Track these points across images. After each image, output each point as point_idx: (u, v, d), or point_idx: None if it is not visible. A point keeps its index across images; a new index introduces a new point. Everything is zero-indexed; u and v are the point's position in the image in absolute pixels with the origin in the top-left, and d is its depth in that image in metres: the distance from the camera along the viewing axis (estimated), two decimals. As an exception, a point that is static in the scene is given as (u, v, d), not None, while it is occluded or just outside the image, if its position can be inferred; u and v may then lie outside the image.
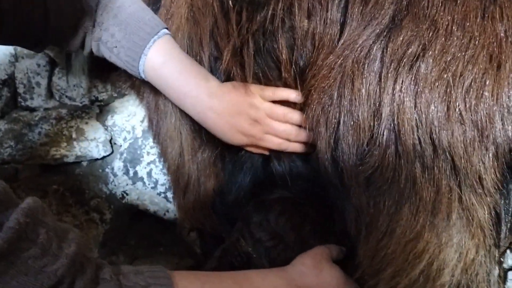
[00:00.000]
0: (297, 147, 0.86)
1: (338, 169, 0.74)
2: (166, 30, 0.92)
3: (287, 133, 0.85)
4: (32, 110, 1.63)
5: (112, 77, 1.36)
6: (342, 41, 0.71)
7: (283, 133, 0.85)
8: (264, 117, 0.85)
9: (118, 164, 1.70)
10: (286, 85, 0.81)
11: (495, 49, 0.62)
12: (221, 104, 0.85)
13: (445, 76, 0.63)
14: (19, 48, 1.60)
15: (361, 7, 0.70)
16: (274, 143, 0.86)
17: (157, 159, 1.70)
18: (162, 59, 0.88)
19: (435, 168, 0.65)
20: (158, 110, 1.09)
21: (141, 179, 1.66)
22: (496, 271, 0.72)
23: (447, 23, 0.65)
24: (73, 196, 1.63)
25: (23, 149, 1.59)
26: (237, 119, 0.85)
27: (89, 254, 0.63)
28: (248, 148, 0.91)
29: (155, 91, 1.12)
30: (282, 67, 0.79)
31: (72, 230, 0.63)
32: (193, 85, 0.87)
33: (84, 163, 1.73)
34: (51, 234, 0.58)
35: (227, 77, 0.88)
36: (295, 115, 0.85)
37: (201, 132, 0.97)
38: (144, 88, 1.22)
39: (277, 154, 0.88)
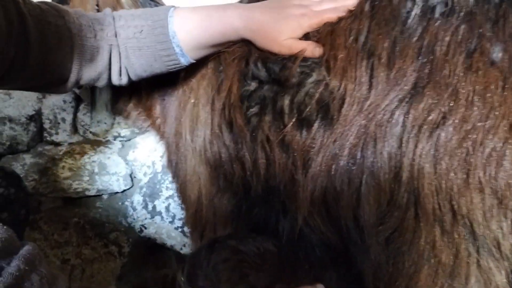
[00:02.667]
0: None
1: (359, 226, 0.76)
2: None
3: None
4: (57, 144, 1.68)
5: (133, 116, 1.40)
6: (368, 102, 0.73)
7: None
8: None
9: (137, 198, 1.73)
10: (313, 138, 0.81)
11: (516, 119, 0.64)
12: (264, 3, 0.87)
13: (465, 144, 0.65)
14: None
15: (385, 72, 0.72)
16: (330, 5, 0.81)
17: (175, 194, 1.73)
18: (189, 9, 0.91)
19: (454, 232, 0.67)
20: (178, 152, 1.11)
21: (159, 213, 1.69)
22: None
23: (468, 92, 0.66)
24: (93, 229, 1.66)
25: (46, 182, 1.64)
26: (285, 3, 0.84)
27: None
28: (303, 31, 0.82)
29: (176, 132, 1.16)
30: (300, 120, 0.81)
31: (61, 276, 0.66)
32: (230, 4, 0.90)
33: (105, 196, 1.77)
34: (44, 281, 0.61)
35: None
36: None
37: (219, 179, 0.99)
38: (164, 127, 1.26)
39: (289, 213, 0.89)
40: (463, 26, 0.70)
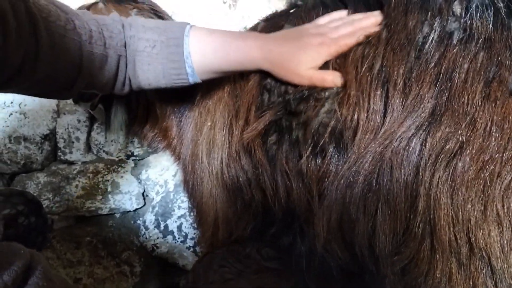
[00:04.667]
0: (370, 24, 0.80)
1: (374, 256, 0.75)
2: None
3: (354, 18, 0.82)
4: (71, 163, 1.70)
5: (149, 138, 1.41)
6: (383, 129, 0.72)
7: (351, 20, 0.81)
8: (325, 24, 0.84)
9: (150, 217, 1.73)
10: (327, 166, 0.81)
11: (534, 151, 0.63)
12: (281, 33, 0.87)
13: (482, 175, 0.64)
14: (61, 105, 1.68)
15: (402, 99, 0.71)
16: (347, 30, 0.80)
17: (187, 213, 1.73)
18: (206, 31, 0.90)
19: (471, 265, 0.65)
20: (194, 173, 1.11)
21: (172, 232, 1.69)
22: None
23: (485, 122, 0.65)
24: (105, 248, 1.66)
25: (60, 201, 1.65)
26: (303, 32, 0.84)
27: None
28: (323, 59, 0.82)
29: (192, 154, 1.16)
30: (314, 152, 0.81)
31: (69, 283, 0.67)
32: (248, 33, 0.90)
33: (117, 215, 1.78)
34: None
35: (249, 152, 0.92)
36: (353, 16, 0.82)
37: (236, 202, 0.98)
38: (180, 149, 1.26)
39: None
40: (482, 54, 0.68)
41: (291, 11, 0.98)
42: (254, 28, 1.05)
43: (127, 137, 1.66)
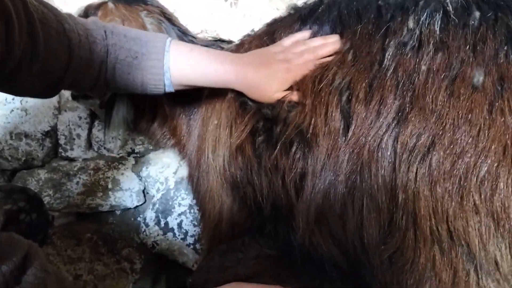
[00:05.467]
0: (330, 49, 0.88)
1: (364, 248, 0.77)
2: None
3: (315, 45, 0.90)
4: (72, 160, 1.72)
5: (158, 135, 1.43)
6: (351, 132, 0.77)
7: (312, 47, 0.90)
8: (289, 49, 0.93)
9: (150, 214, 1.76)
10: (293, 160, 0.87)
11: (508, 141, 0.65)
12: (252, 57, 0.95)
13: (458, 167, 0.66)
14: (62, 101, 1.71)
15: (365, 105, 0.76)
16: (309, 57, 0.90)
17: (187, 211, 1.75)
18: (186, 48, 0.97)
19: (452, 252, 0.67)
20: (199, 168, 1.15)
21: (172, 229, 1.71)
22: None
23: (453, 117, 0.68)
24: (105, 245, 1.68)
25: (60, 197, 1.67)
26: (271, 58, 0.93)
27: None
28: (288, 86, 0.93)
29: (198, 149, 1.19)
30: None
31: (64, 276, 0.69)
32: (225, 56, 0.97)
33: (118, 212, 1.80)
34: (53, 286, 0.64)
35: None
36: (314, 41, 0.91)
37: (238, 201, 1.03)
38: (188, 145, 1.29)
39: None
40: (439, 55, 0.72)
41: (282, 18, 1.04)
42: (259, 31, 1.11)
43: (132, 134, 1.68)
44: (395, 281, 0.74)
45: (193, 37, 1.29)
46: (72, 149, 1.71)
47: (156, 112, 1.34)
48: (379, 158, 0.73)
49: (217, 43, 1.31)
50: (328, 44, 0.87)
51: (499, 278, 0.67)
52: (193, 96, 1.20)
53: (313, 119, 0.82)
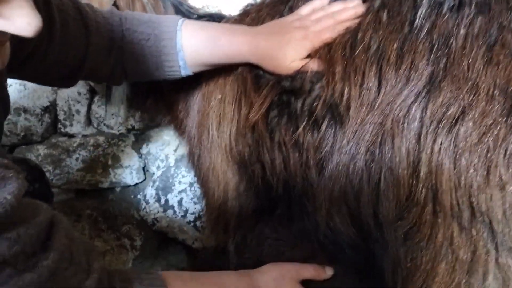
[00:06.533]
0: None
1: (379, 223, 0.76)
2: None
3: (335, 10, 0.86)
4: (71, 136, 1.69)
5: (152, 110, 1.40)
6: (380, 100, 0.73)
7: (331, 13, 0.86)
8: (307, 16, 0.88)
9: (150, 192, 1.74)
10: (323, 138, 0.83)
11: (542, 115, 0.63)
12: (267, 27, 0.91)
13: (486, 140, 0.64)
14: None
15: (395, 70, 0.73)
16: (328, 24, 0.84)
17: (188, 188, 1.74)
18: (198, 25, 0.95)
19: (473, 229, 0.66)
20: (201, 144, 1.11)
21: (172, 207, 1.70)
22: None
23: (488, 86, 0.65)
24: (105, 221, 1.67)
25: (60, 173, 1.65)
26: (287, 26, 0.88)
27: (103, 264, 0.70)
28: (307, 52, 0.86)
29: (199, 125, 1.16)
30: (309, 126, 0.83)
31: (91, 243, 0.69)
32: (237, 28, 0.94)
33: (118, 189, 1.78)
34: (80, 252, 0.64)
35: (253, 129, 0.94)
36: (334, 6, 0.87)
37: (245, 181, 1.00)
38: (186, 121, 1.26)
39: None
40: (480, 18, 0.69)
41: None
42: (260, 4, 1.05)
43: (129, 110, 1.66)
44: (409, 258, 0.73)
45: (190, 7, 1.26)
46: (71, 125, 1.68)
47: (151, 87, 1.31)
48: (404, 129, 0.70)
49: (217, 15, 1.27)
50: (349, 9, 0.83)
51: (519, 255, 0.66)
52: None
53: (346, 89, 0.77)
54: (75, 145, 1.66)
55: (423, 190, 0.69)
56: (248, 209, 1.03)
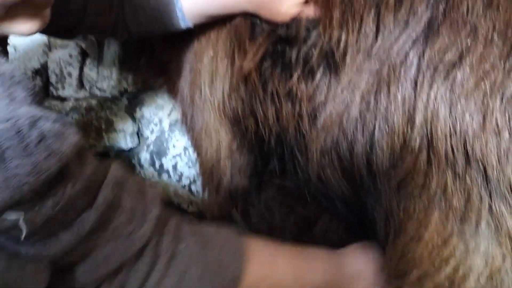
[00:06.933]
0: None
1: (372, 173, 0.75)
2: None
3: None
4: (63, 99, 1.67)
5: (145, 71, 1.38)
6: (376, 47, 0.72)
7: None
8: None
9: (144, 156, 1.73)
10: (317, 87, 0.82)
11: (541, 60, 0.62)
12: None
13: (483, 85, 0.63)
14: (52, 38, 1.64)
15: (393, 16, 0.71)
16: None
17: (182, 153, 1.73)
18: None
19: (467, 177, 0.65)
20: (193, 104, 1.10)
21: (167, 171, 1.70)
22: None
23: (487, 29, 0.64)
24: (99, 186, 1.66)
25: (53, 137, 1.63)
26: None
27: (167, 210, 0.68)
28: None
29: (191, 84, 1.14)
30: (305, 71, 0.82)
31: (149, 187, 0.67)
32: None
33: (112, 154, 1.77)
34: (134, 200, 0.62)
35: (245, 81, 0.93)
36: None
37: (238, 137, 0.99)
38: (179, 82, 1.24)
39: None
40: None
41: None
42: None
43: (121, 73, 1.63)
44: (401, 208, 0.73)
45: None
46: (63, 88, 1.66)
47: (143, 48, 1.29)
48: (400, 76, 0.69)
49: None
50: None
51: (512, 203, 0.66)
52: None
53: (343, 35, 0.75)
54: (67, 108, 1.65)
55: (418, 138, 0.68)
56: (242, 167, 1.02)
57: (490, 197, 0.65)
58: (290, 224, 0.90)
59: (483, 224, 0.66)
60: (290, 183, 0.92)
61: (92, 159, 0.60)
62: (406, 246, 0.72)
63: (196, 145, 1.18)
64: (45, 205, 0.50)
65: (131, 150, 1.77)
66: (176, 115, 1.70)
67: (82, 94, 1.68)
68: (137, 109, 1.72)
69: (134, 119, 1.72)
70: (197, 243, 0.67)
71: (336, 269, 0.82)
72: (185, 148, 1.73)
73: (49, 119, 0.52)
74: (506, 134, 0.63)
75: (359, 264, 0.84)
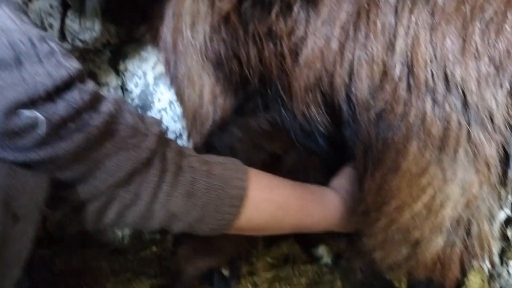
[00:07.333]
0: None
1: (351, 106, 0.75)
2: None
3: None
4: (45, 52, 1.63)
5: (127, 22, 1.35)
6: None
7: None
8: None
9: (129, 110, 1.71)
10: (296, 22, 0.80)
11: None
12: None
13: (463, 8, 0.62)
14: (32, -12, 1.59)
15: None
16: None
17: (167, 107, 1.71)
18: None
19: (446, 104, 0.65)
20: (176, 50, 1.08)
21: (152, 125, 1.68)
22: (498, 211, 0.73)
23: None
24: (83, 140, 1.64)
25: (35, 90, 1.60)
26: None
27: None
28: None
29: (174, 30, 1.12)
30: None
31: (149, 117, 0.71)
32: None
33: (95, 108, 1.74)
34: (136, 118, 0.66)
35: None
36: None
37: (222, 80, 0.98)
38: (161, 28, 1.22)
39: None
40: None
41: None
42: None
43: (104, 24, 1.60)
44: (380, 140, 0.72)
45: None
46: (44, 39, 1.61)
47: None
48: (380, 2, 0.68)
49: None
50: None
51: (491, 130, 0.65)
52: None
53: None
54: (49, 60, 1.61)
55: (398, 66, 0.67)
56: (226, 110, 1.01)
57: (469, 124, 0.65)
58: (256, 161, 0.89)
59: (461, 152, 0.66)
60: (259, 120, 0.92)
61: (93, 84, 0.66)
62: (384, 177, 0.72)
63: (179, 92, 1.16)
64: (59, 107, 0.55)
65: (115, 104, 1.74)
66: (161, 68, 1.67)
67: (64, 46, 1.64)
68: (121, 62, 1.68)
69: (117, 72, 1.69)
70: (199, 161, 0.71)
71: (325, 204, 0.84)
72: (171, 102, 1.71)
73: (56, 41, 0.61)
74: (485, 59, 0.62)
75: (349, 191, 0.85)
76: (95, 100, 0.61)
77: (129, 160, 0.63)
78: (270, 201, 0.77)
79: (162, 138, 0.70)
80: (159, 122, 0.73)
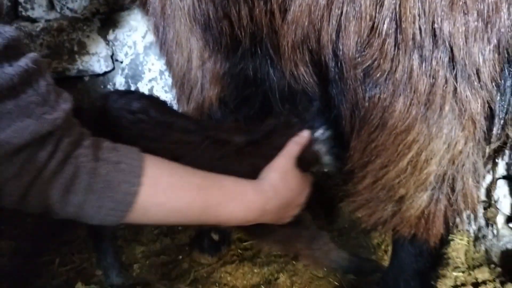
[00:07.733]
0: None
1: (338, 64, 0.74)
2: None
3: None
4: (33, 21, 1.60)
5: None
6: None
7: None
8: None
9: (119, 80, 1.70)
10: None
11: None
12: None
13: (452, -39, 0.61)
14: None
15: None
16: None
17: (158, 77, 1.70)
18: None
19: (433, 59, 0.64)
20: (164, 14, 1.05)
21: (143, 96, 1.67)
22: (483, 167, 0.73)
23: None
24: (74, 112, 1.63)
25: (24, 59, 1.58)
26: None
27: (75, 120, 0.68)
28: None
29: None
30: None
31: (66, 92, 0.67)
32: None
33: (86, 78, 1.73)
34: (50, 88, 0.62)
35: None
36: None
37: (211, 43, 0.96)
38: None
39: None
40: None
41: None
42: None
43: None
44: (367, 97, 0.72)
45: None
46: (32, 8, 1.59)
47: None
48: None
49: None
50: None
51: (477, 86, 0.65)
52: None
53: None
54: (38, 29, 1.59)
55: (386, 20, 0.66)
56: (214, 74, 1.00)
57: (456, 79, 0.65)
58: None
59: (447, 108, 0.66)
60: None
61: (18, 32, 0.62)
62: (370, 136, 0.72)
63: (168, 58, 1.14)
64: None
65: (105, 74, 1.73)
66: (151, 37, 1.66)
67: (53, 15, 1.61)
68: (110, 31, 1.66)
69: (107, 41, 1.67)
70: (94, 155, 0.65)
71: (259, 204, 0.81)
72: (161, 72, 1.70)
73: None
74: (474, 13, 0.61)
75: (277, 181, 0.83)
76: (14, 52, 0.58)
77: (32, 127, 0.59)
78: (162, 205, 0.72)
79: (69, 119, 0.65)
80: (72, 101, 0.67)
